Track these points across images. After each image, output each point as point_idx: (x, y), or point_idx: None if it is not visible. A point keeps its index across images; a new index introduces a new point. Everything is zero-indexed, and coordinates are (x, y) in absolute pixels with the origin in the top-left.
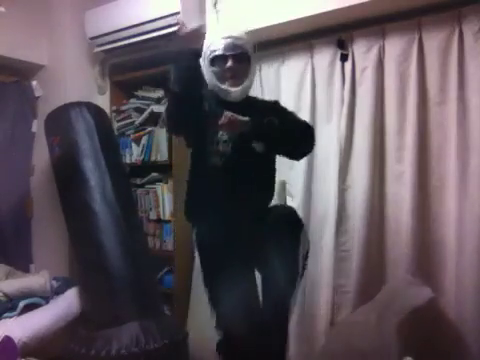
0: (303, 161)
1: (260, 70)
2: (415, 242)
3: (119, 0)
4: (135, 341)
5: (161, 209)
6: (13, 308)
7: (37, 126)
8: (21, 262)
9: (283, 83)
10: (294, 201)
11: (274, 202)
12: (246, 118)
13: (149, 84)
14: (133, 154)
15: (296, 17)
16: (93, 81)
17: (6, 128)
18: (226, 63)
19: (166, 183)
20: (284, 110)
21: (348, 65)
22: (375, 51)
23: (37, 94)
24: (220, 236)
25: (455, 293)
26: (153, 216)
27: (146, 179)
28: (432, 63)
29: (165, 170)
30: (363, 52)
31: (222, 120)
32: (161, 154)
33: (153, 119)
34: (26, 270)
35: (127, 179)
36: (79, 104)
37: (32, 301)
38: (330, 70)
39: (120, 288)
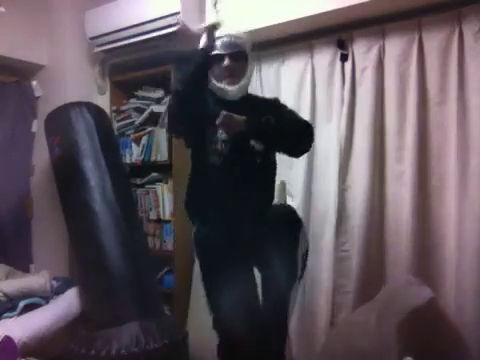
0: (303, 161)
1: (260, 70)
2: (415, 242)
3: (119, 0)
4: (135, 341)
5: (161, 209)
6: (13, 308)
7: (37, 126)
8: (21, 262)
9: (283, 83)
10: (294, 201)
11: (274, 202)
12: (242, 117)
13: (149, 84)
14: (133, 154)
15: (296, 17)
16: (93, 81)
17: (6, 128)
18: (223, 62)
19: (166, 183)
20: (284, 107)
21: (348, 65)
22: (375, 51)
23: (37, 94)
24: (219, 235)
25: (455, 293)
26: (153, 216)
27: (146, 179)
28: (432, 63)
29: (165, 170)
30: (363, 52)
31: (219, 120)
32: (161, 154)
33: (153, 119)
34: (26, 270)
35: (127, 179)
36: (79, 104)
37: (32, 301)
38: (330, 70)
39: (120, 288)
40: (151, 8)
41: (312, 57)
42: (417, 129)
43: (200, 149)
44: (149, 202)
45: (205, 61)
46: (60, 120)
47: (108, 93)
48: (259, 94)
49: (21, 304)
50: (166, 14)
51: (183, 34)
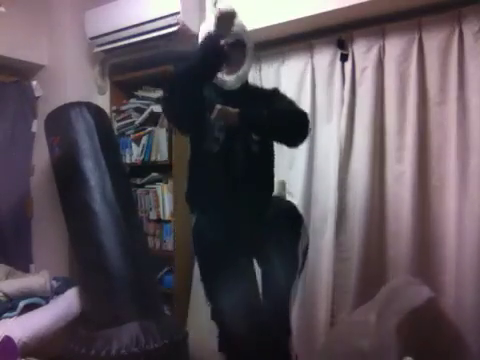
0: (303, 161)
1: (260, 70)
2: (415, 242)
3: (119, 0)
4: (135, 341)
5: (161, 209)
6: (13, 308)
7: (37, 126)
8: (21, 262)
9: (283, 83)
10: (294, 201)
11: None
12: (236, 110)
13: (149, 84)
14: (133, 154)
15: (296, 17)
16: (93, 81)
17: (6, 128)
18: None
19: (166, 183)
20: (283, 97)
21: (348, 65)
22: (375, 51)
23: (37, 94)
24: (218, 224)
25: (455, 293)
26: (153, 216)
27: (146, 179)
28: (432, 63)
29: (165, 170)
30: (363, 52)
31: (213, 114)
32: (161, 154)
33: (153, 119)
34: (26, 270)
35: (127, 179)
36: (79, 104)
37: (32, 301)
38: (330, 70)
39: (120, 288)
40: (151, 8)
41: (312, 57)
42: (417, 129)
43: (198, 136)
44: (149, 202)
45: (215, 53)
46: (60, 120)
47: (108, 93)
48: None
49: (21, 304)
50: (166, 14)
51: (183, 34)
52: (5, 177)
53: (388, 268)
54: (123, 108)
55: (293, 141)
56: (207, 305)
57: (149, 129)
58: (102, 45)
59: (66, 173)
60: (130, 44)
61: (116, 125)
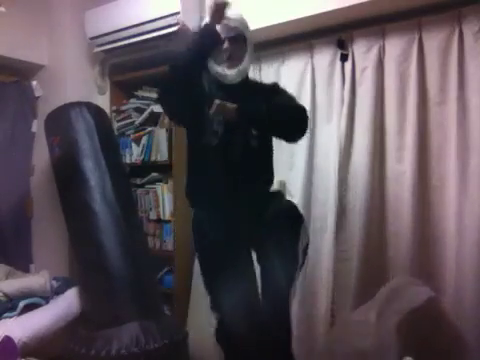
0: (303, 161)
1: (260, 70)
2: (415, 242)
3: (119, 0)
4: (135, 341)
5: (161, 209)
6: (13, 308)
7: (37, 126)
8: (21, 262)
9: (283, 83)
10: (294, 200)
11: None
12: (234, 105)
13: (149, 84)
14: (133, 154)
15: (296, 17)
16: (93, 81)
17: (6, 128)
18: (222, 45)
19: (166, 183)
20: (283, 92)
21: (348, 65)
22: (375, 51)
23: (37, 94)
24: (216, 216)
25: (455, 293)
26: (153, 216)
27: (146, 179)
28: (432, 63)
29: (165, 170)
30: (363, 52)
31: (212, 109)
32: (161, 154)
33: (153, 119)
34: (26, 270)
35: (127, 179)
36: (79, 104)
37: (32, 301)
38: (330, 70)
39: (120, 288)
40: (151, 8)
41: (312, 57)
42: (417, 129)
43: (197, 130)
44: (149, 202)
45: (210, 35)
46: (60, 120)
47: (108, 93)
48: None
49: (21, 304)
50: (166, 14)
51: (183, 34)
52: (5, 177)
53: (388, 268)
54: (123, 108)
55: (292, 136)
56: (207, 295)
57: (149, 129)
58: (102, 45)
59: (66, 173)
60: (130, 44)
61: (116, 125)
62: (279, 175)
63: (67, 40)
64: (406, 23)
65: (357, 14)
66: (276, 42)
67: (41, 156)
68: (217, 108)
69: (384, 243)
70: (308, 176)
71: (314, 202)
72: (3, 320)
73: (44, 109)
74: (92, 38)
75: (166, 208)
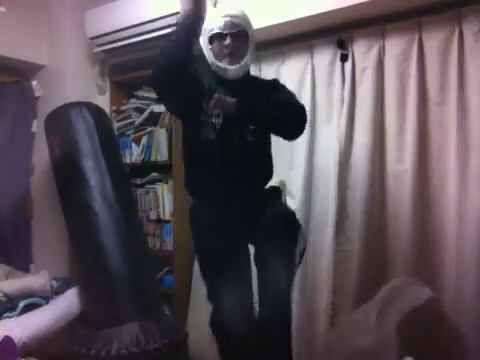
0: (303, 161)
1: (260, 70)
2: (415, 242)
3: (119, 0)
4: (135, 341)
5: (161, 209)
6: (13, 308)
7: (37, 126)
8: (21, 262)
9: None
10: (294, 201)
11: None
12: (233, 100)
13: (149, 84)
14: (133, 154)
15: (296, 17)
16: (93, 81)
17: (6, 128)
18: (224, 41)
19: (166, 183)
20: (283, 89)
21: (348, 65)
22: (375, 51)
23: (37, 94)
24: (214, 208)
25: (455, 293)
26: (153, 216)
27: (146, 179)
28: (432, 63)
29: (165, 170)
30: (363, 52)
31: (211, 103)
32: (161, 154)
33: (153, 119)
34: (26, 270)
35: (127, 179)
36: (79, 104)
37: (32, 301)
38: (330, 70)
39: (120, 288)
40: (151, 8)
41: (312, 57)
42: (417, 129)
43: (194, 123)
44: (149, 202)
45: (192, 24)
46: (60, 120)
47: (108, 93)
48: None
49: (21, 304)
50: (166, 14)
51: None
52: (5, 177)
53: (388, 268)
54: (123, 108)
55: (290, 134)
56: (205, 285)
57: (149, 129)
58: (102, 45)
59: (66, 173)
60: (130, 44)
61: (116, 125)
62: (279, 175)
63: (67, 40)
64: (406, 23)
65: (357, 14)
66: (276, 42)
67: (41, 156)
68: (216, 101)
69: (384, 243)
70: (308, 176)
71: (314, 202)
72: (3, 320)
73: (44, 109)
74: (92, 38)
75: (166, 208)
